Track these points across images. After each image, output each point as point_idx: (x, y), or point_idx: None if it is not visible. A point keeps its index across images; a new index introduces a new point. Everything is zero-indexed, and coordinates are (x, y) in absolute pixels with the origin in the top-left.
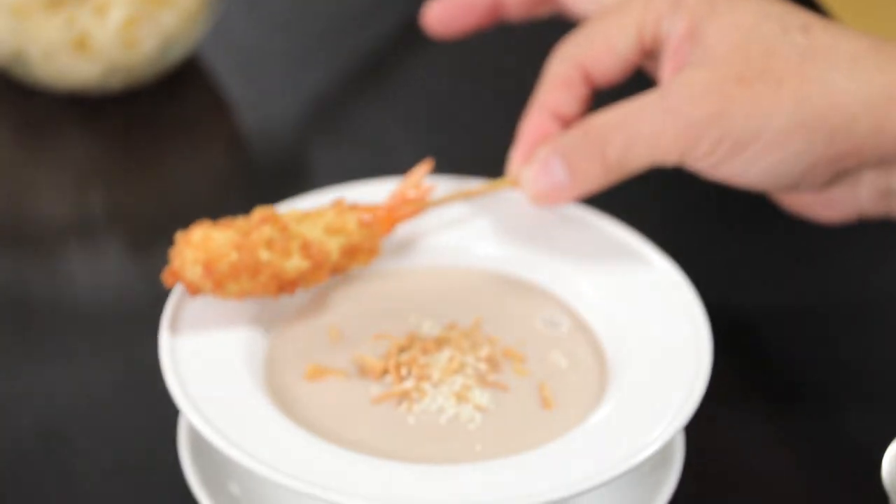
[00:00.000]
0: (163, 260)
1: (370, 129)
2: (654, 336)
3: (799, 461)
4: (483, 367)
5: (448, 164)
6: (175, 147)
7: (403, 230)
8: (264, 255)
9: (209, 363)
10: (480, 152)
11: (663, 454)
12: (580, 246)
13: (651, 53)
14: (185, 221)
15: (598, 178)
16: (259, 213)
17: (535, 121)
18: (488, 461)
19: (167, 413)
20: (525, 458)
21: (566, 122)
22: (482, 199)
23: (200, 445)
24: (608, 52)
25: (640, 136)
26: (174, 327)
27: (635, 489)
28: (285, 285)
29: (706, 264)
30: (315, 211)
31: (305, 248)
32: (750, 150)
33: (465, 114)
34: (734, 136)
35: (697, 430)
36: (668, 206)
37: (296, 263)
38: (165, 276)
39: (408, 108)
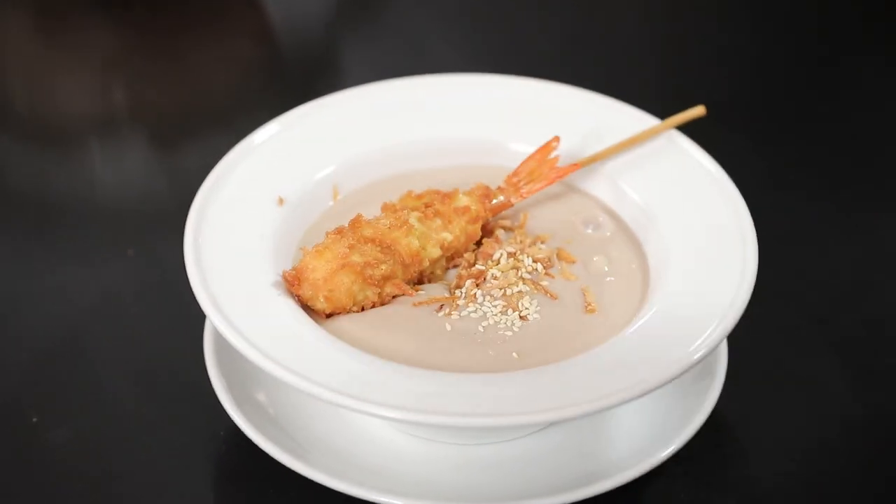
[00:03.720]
0: (187, 157)
1: (404, 24)
2: (697, 239)
3: (844, 365)
4: (539, 268)
5: (485, 63)
6: (201, 39)
7: (444, 130)
8: (375, 297)
9: (236, 266)
10: (519, 50)
11: (706, 363)
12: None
13: None
14: (210, 118)
15: None
16: (389, 237)
17: None
18: (524, 370)
19: (192, 317)
20: (562, 367)
21: None
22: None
23: (226, 351)
24: None
25: None
26: (199, 228)
27: (677, 399)
28: None
29: (751, 172)
30: (450, 212)
31: (408, 287)
32: None
33: (503, 9)
34: None
35: (741, 338)
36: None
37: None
38: (287, 279)
39: (443, 2)
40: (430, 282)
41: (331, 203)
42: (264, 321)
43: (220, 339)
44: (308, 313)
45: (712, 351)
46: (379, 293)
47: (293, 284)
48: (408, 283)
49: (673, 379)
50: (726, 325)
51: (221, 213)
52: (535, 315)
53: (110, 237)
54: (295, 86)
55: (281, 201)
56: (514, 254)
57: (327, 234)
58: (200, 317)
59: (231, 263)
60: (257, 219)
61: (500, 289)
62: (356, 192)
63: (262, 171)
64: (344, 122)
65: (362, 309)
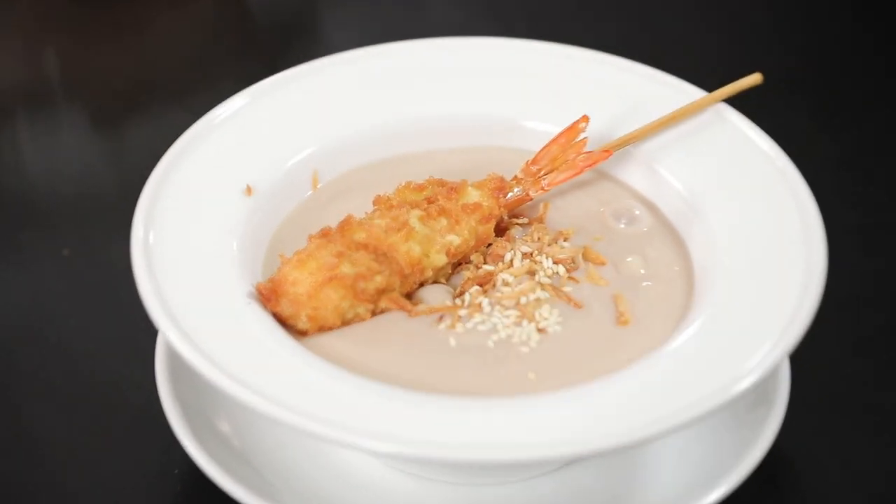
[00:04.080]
0: (135, 137)
1: None
2: (752, 237)
3: None
4: (561, 271)
5: (495, 25)
6: None
7: (446, 105)
8: (367, 315)
9: (194, 270)
10: (538, 8)
11: (763, 387)
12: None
13: None
14: (163, 90)
15: None
16: (386, 245)
17: None
18: (542, 394)
19: (141, 331)
20: (588, 390)
21: None
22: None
23: (183, 372)
24: None
25: None
26: (149, 223)
27: (728, 431)
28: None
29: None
30: (458, 210)
31: (405, 301)
32: None
33: None
34: None
35: (805, 357)
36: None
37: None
38: (262, 293)
39: None
40: (433, 283)
41: (309, 193)
42: (229, 336)
43: (175, 357)
44: (284, 327)
45: (770, 373)
46: (372, 310)
47: (269, 300)
48: (407, 296)
49: (723, 407)
50: (788, 342)
51: (177, 205)
52: (556, 327)
53: (42, 234)
54: (266, 51)
55: (249, 191)
56: (531, 254)
57: (310, 238)
58: (152, 331)
59: (189, 266)
60: (220, 212)
61: (513, 298)
62: (340, 180)
63: (226, 155)
64: (325, 95)
65: None
